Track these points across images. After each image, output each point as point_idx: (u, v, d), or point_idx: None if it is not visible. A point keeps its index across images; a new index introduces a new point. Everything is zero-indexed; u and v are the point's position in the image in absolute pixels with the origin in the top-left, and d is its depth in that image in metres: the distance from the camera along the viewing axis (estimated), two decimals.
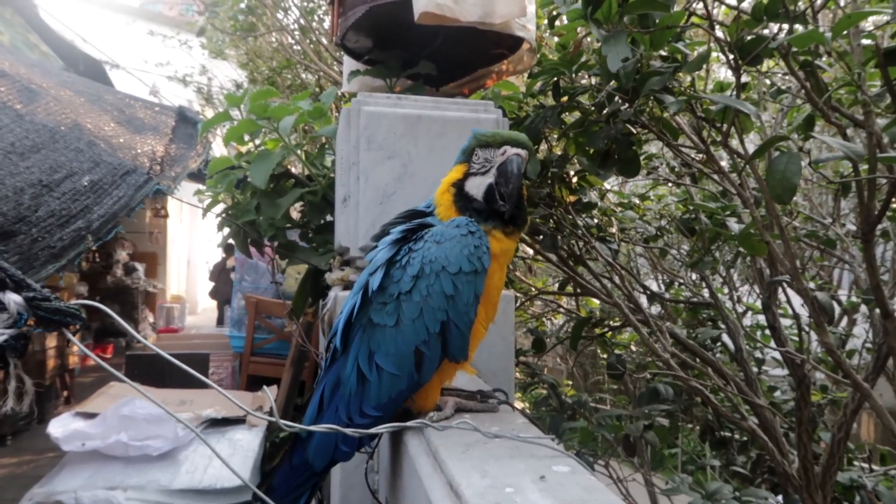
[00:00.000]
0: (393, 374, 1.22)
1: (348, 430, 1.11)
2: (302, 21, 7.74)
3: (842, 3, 2.35)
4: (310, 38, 7.73)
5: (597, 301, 3.70)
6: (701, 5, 1.96)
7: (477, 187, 1.32)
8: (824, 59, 1.89)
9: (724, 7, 2.19)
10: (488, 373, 1.93)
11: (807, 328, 2.85)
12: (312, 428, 1.09)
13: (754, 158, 1.67)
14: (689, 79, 2.17)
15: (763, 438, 2.47)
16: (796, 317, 2.65)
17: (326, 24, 8.00)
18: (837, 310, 3.55)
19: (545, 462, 1.09)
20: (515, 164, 1.28)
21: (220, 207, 2.75)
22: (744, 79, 1.92)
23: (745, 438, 3.35)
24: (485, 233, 1.27)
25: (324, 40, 7.58)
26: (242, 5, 8.00)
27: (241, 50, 9.23)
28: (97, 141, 2.69)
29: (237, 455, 4.00)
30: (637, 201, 3.31)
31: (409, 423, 1.18)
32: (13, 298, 0.98)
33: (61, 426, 3.93)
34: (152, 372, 5.07)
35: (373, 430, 1.14)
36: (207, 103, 10.17)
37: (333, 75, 7.39)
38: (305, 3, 7.80)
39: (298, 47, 7.95)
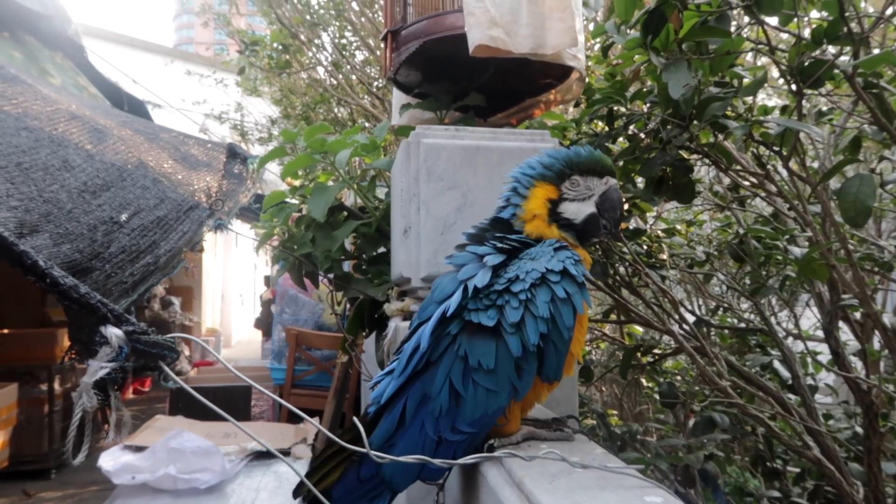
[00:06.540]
0: (489, 389, 1.17)
1: (436, 461, 1.10)
2: (335, 56, 7.93)
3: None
4: (342, 73, 7.90)
5: (640, 328, 3.65)
6: (749, 29, 1.97)
7: (575, 213, 1.32)
8: (884, 80, 1.87)
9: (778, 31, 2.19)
10: (551, 401, 1.91)
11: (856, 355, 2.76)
12: (402, 459, 1.09)
13: (825, 181, 1.65)
14: (743, 103, 2.17)
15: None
16: (862, 343, 2.58)
17: (359, 58, 8.18)
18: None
19: (636, 493, 1.07)
20: (618, 195, 1.31)
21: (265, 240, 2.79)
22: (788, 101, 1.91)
23: (798, 469, 3.24)
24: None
25: (353, 77, 7.75)
26: (277, 45, 8.24)
27: (276, 87, 9.47)
28: (160, 178, 2.79)
29: (283, 487, 4.02)
30: (679, 227, 3.28)
31: (495, 454, 1.16)
32: (115, 333, 1.00)
33: (111, 459, 3.98)
34: (196, 405, 5.11)
35: (459, 461, 1.13)
36: (243, 139, 10.42)
37: (367, 108, 7.53)
38: (338, 40, 8.00)
39: (331, 81, 8.12)
